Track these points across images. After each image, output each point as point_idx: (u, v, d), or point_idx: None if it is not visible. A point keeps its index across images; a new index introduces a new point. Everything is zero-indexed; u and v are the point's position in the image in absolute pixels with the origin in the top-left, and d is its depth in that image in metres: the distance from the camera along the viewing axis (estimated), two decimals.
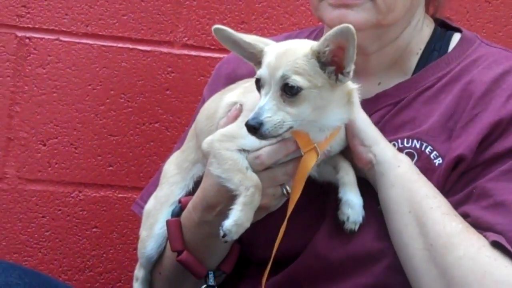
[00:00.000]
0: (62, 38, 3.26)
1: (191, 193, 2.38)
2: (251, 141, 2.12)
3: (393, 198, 2.21)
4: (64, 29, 3.26)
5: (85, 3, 3.26)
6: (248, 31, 3.27)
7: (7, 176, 3.26)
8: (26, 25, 3.23)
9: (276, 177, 2.17)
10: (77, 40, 3.27)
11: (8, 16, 3.22)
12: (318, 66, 2.05)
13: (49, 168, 3.29)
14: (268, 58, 2.07)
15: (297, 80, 2.02)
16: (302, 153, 2.13)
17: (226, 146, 2.15)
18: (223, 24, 3.29)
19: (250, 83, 2.28)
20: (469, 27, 2.73)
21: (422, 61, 2.47)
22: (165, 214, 2.42)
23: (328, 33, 2.02)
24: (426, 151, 2.31)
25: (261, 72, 2.05)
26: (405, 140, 2.33)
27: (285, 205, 2.20)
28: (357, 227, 2.22)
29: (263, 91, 2.05)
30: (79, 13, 3.26)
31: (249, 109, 2.17)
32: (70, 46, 3.26)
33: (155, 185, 2.59)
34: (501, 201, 2.19)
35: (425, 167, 2.29)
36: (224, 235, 2.10)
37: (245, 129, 2.05)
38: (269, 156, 2.14)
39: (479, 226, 2.17)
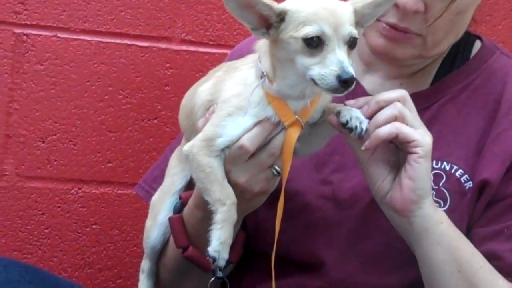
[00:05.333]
0: (60, 34, 3.24)
1: (190, 183, 2.37)
2: (229, 135, 2.10)
3: (441, 257, 2.17)
4: (62, 26, 3.24)
5: None
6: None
7: (6, 173, 3.24)
8: (23, 22, 3.21)
9: (263, 162, 2.14)
10: (75, 37, 3.25)
11: (5, 13, 3.20)
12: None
13: (48, 165, 3.28)
14: (319, 15, 1.98)
15: (357, 32, 2.01)
16: (285, 126, 2.11)
17: (205, 152, 2.12)
18: (221, 19, 3.32)
19: (222, 71, 2.27)
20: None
21: (445, 64, 2.45)
22: (167, 203, 2.43)
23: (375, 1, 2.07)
24: (457, 174, 2.30)
25: (323, 29, 1.95)
26: (434, 161, 2.29)
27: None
28: (364, 126, 2.08)
29: (327, 47, 1.96)
30: (76, 10, 3.24)
31: (224, 101, 2.15)
32: (68, 43, 3.25)
33: (159, 170, 2.61)
34: None
35: (454, 189, 2.29)
36: (214, 260, 2.09)
37: (221, 125, 2.08)
38: (251, 142, 2.10)
39: None
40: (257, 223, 2.41)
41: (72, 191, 3.31)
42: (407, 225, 2.18)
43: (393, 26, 2.29)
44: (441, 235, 2.16)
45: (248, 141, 2.10)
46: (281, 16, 2.02)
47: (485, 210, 2.29)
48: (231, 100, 2.15)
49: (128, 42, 3.30)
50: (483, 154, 2.29)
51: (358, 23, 2.08)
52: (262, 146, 2.13)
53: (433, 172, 2.28)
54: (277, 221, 2.17)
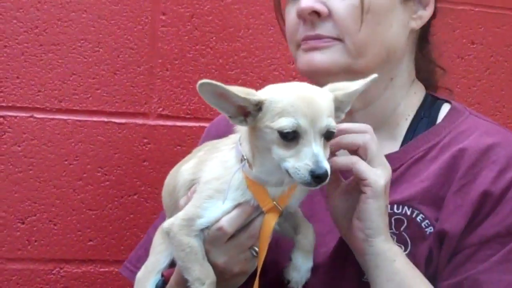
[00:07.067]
0: (36, 115, 3.25)
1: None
2: (209, 216, 2.12)
3: None
4: (38, 106, 3.25)
5: (57, 79, 3.25)
6: None
7: None
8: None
9: (242, 244, 2.15)
10: (51, 116, 3.26)
11: None
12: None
13: (29, 246, 3.26)
14: (296, 107, 1.97)
15: (335, 125, 2.02)
16: (264, 211, 2.12)
17: (185, 231, 2.14)
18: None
19: (204, 151, 2.29)
20: (443, 83, 2.74)
21: (412, 127, 2.46)
22: (151, 281, 2.41)
23: (356, 90, 2.11)
24: (417, 218, 2.29)
25: (299, 122, 1.95)
26: (395, 206, 2.31)
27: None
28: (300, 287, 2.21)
29: (303, 140, 1.97)
30: (52, 89, 3.25)
31: (204, 182, 2.17)
32: (45, 123, 3.25)
33: (144, 248, 2.59)
34: None
35: (415, 235, 2.28)
36: None
37: (202, 206, 2.10)
38: (230, 224, 2.11)
39: None
40: None
41: (54, 271, 3.29)
42: (362, 262, 2.21)
43: (305, 39, 2.32)
44: (393, 273, 2.16)
45: (227, 223, 2.12)
46: (259, 106, 2.03)
47: (448, 263, 2.27)
48: (211, 182, 2.16)
49: (105, 119, 3.31)
50: (445, 204, 2.28)
51: (338, 109, 2.10)
52: (242, 228, 2.15)
53: (394, 217, 2.29)
54: None
